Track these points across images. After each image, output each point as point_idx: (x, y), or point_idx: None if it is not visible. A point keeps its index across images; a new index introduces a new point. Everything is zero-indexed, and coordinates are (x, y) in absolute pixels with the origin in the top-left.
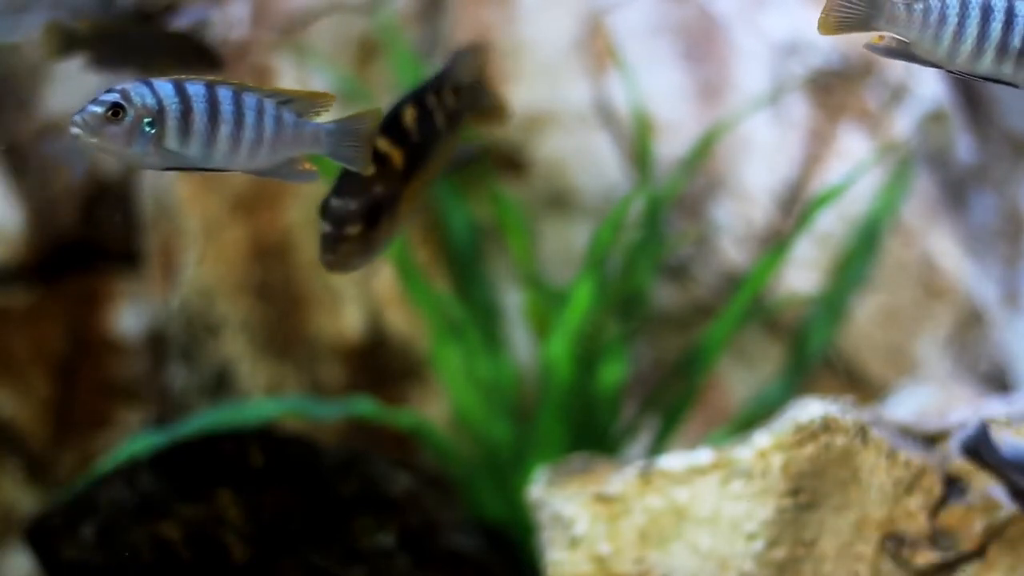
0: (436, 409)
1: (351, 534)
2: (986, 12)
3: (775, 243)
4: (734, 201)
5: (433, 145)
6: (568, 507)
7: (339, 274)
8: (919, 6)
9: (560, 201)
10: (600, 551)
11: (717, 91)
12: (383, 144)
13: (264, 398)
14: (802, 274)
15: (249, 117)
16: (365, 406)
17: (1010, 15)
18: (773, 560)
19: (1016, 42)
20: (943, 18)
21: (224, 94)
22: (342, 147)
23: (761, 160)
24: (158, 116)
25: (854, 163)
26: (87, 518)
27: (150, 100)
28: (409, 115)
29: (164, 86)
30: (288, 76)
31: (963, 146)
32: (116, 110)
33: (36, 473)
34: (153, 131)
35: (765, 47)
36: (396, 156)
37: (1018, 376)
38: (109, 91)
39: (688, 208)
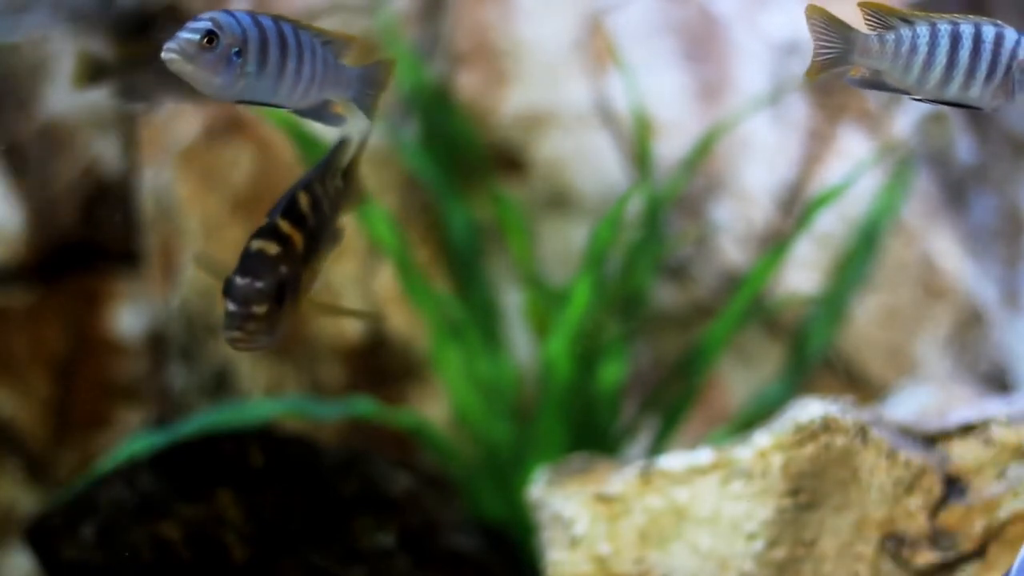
0: (436, 409)
1: (351, 534)
2: (955, 40)
3: (775, 243)
4: (734, 201)
5: (324, 229)
6: (568, 507)
7: (243, 351)
8: (891, 37)
9: (560, 201)
10: (600, 551)
11: (717, 91)
12: (285, 226)
13: (264, 398)
14: (802, 274)
15: (307, 54)
16: (365, 406)
17: (977, 42)
18: (773, 560)
19: (983, 67)
20: (914, 48)
21: (287, 29)
22: (363, 94)
23: (761, 160)
24: (243, 45)
25: (854, 163)
26: (87, 518)
27: (237, 29)
28: (304, 200)
29: (244, 17)
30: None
31: (963, 146)
32: (211, 37)
33: (36, 473)
34: (239, 60)
35: (765, 47)
36: (297, 238)
37: (1018, 376)
38: (199, 19)
39: (688, 208)
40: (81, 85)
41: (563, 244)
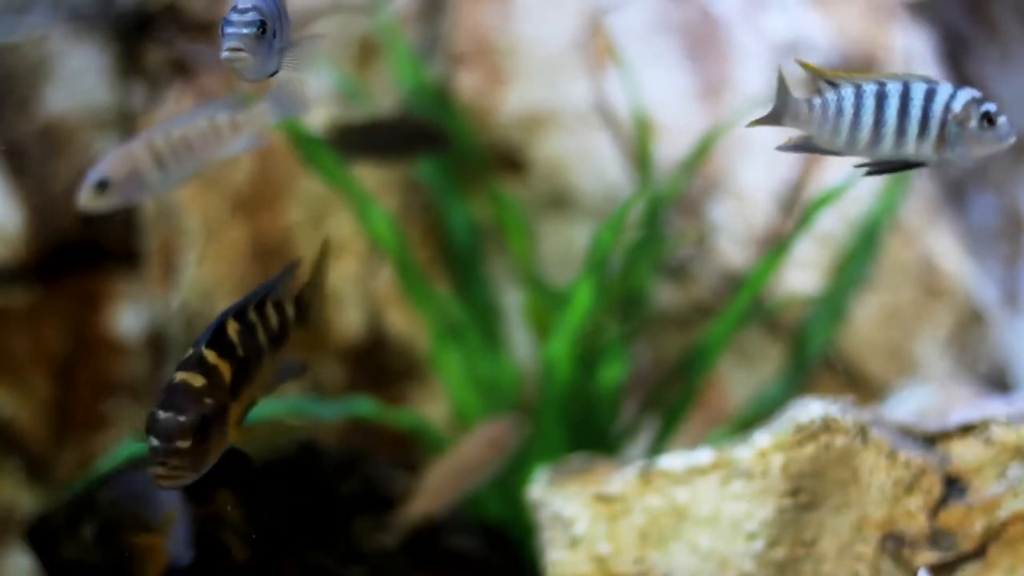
0: (436, 409)
1: (351, 534)
2: (880, 99)
3: (775, 243)
4: (734, 201)
5: (260, 359)
6: (568, 507)
7: (171, 487)
8: (817, 102)
9: (560, 201)
10: (600, 551)
11: (717, 91)
12: (211, 356)
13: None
14: (802, 274)
15: (287, 16)
16: (365, 406)
17: (905, 99)
18: (773, 560)
19: (912, 124)
20: (839, 110)
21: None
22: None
23: (761, 160)
24: (275, 24)
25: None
26: (87, 518)
27: (268, 10)
28: (233, 328)
29: None
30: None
31: None
32: (263, 27)
33: (36, 473)
34: (276, 39)
35: (765, 47)
36: (224, 368)
37: (1018, 376)
38: (243, 11)
39: (688, 208)
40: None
41: (563, 244)
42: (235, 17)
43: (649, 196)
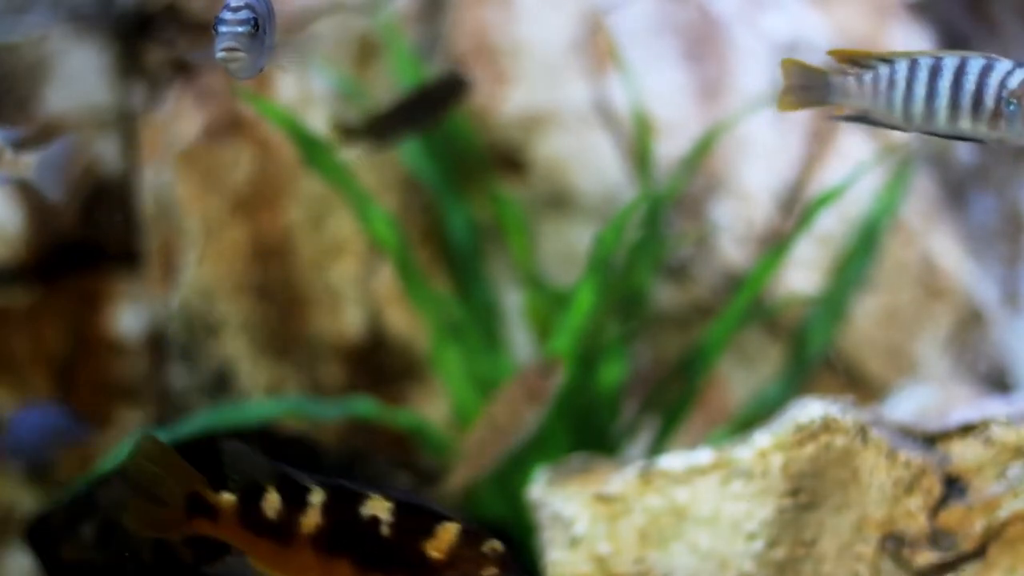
0: (436, 409)
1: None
2: (934, 73)
3: (775, 243)
4: (734, 201)
5: None
6: (568, 507)
7: None
8: (868, 77)
9: (560, 201)
10: (600, 551)
11: (717, 91)
12: None
13: (264, 398)
14: (802, 274)
15: (273, 15)
16: (365, 406)
17: (959, 73)
18: (773, 560)
19: (966, 99)
20: (892, 84)
21: None
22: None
23: (761, 160)
24: (265, 19)
25: (854, 163)
26: (87, 518)
27: (261, 9)
28: None
29: None
30: (288, 76)
31: (963, 146)
32: (256, 25)
33: (36, 473)
34: (265, 34)
35: (765, 47)
36: None
37: (1018, 376)
38: (235, 10)
39: (688, 208)
40: (341, 146)
41: (563, 244)
42: (229, 16)
43: (650, 195)
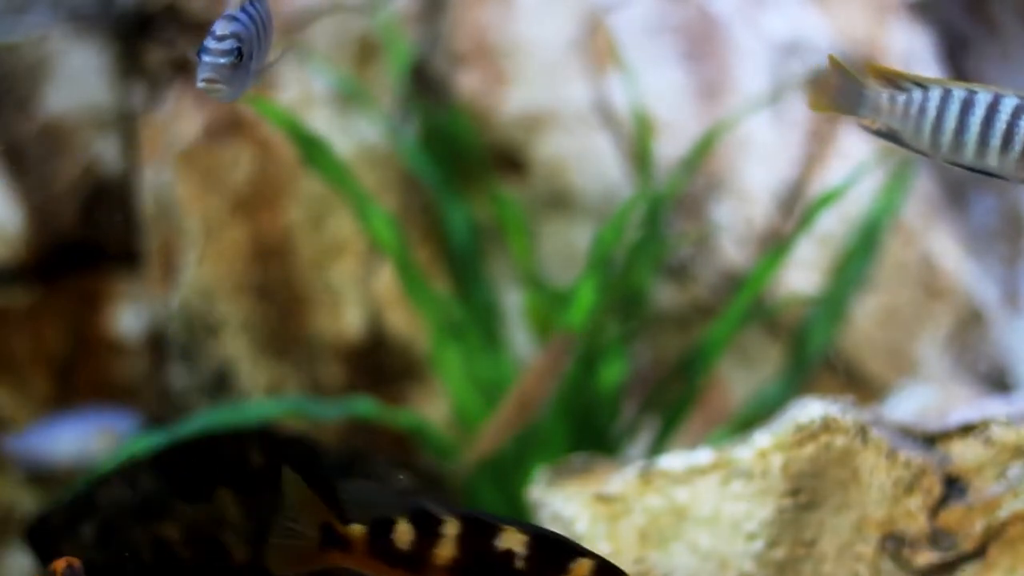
0: (436, 409)
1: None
2: (966, 106)
3: (775, 243)
4: (734, 201)
5: None
6: (568, 507)
7: None
8: (901, 98)
9: (560, 201)
10: (600, 551)
11: (717, 91)
12: None
13: (264, 398)
14: (802, 274)
15: (270, 24)
16: (365, 406)
17: (991, 110)
18: (773, 560)
19: (996, 136)
20: (923, 110)
21: (258, 6)
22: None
23: (761, 160)
24: (247, 48)
25: (854, 163)
26: (87, 518)
27: (248, 33)
28: None
29: (242, 15)
30: (288, 76)
31: None
32: (239, 55)
33: (34, 480)
34: (251, 61)
35: (765, 47)
36: None
37: (1018, 376)
38: (220, 39)
39: (688, 208)
40: None
41: (563, 244)
42: (212, 45)
43: (650, 195)
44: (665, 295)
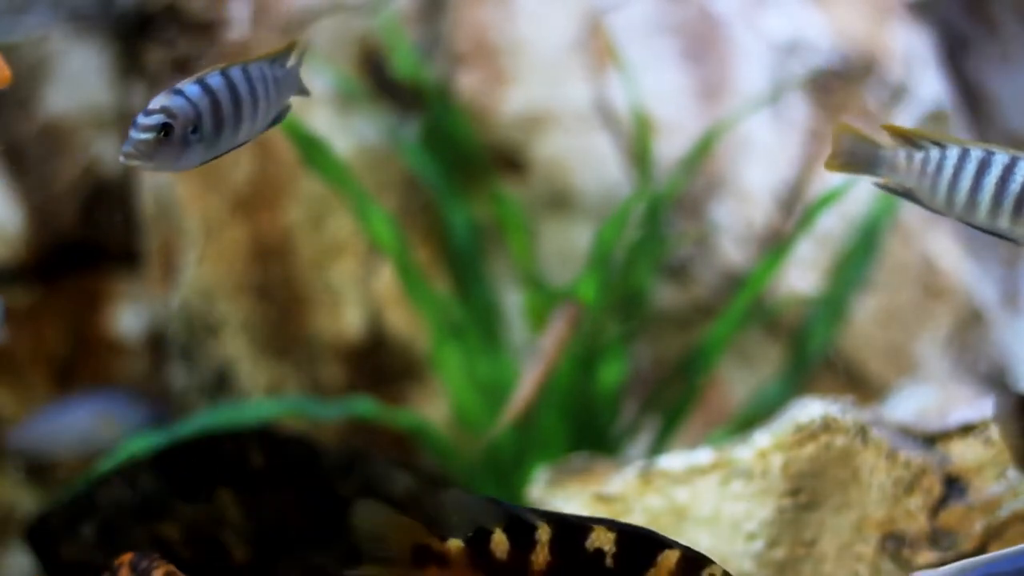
0: (436, 409)
1: (351, 534)
2: (982, 167)
3: (775, 243)
4: (734, 201)
5: None
6: (568, 507)
7: None
8: (919, 156)
9: (560, 201)
10: None
11: (717, 91)
12: None
13: (264, 398)
14: (802, 274)
15: (260, 88)
16: (365, 406)
17: (1006, 172)
18: (773, 560)
19: (1009, 199)
20: (940, 169)
21: (236, 76)
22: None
23: (761, 160)
24: (198, 121)
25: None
26: (87, 518)
27: (189, 110)
28: None
29: (192, 89)
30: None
31: None
32: (166, 130)
33: (36, 473)
34: (196, 135)
35: (765, 47)
36: None
37: (1018, 376)
38: (149, 113)
39: (688, 208)
40: None
41: (563, 244)
42: (140, 119)
43: (650, 195)
44: (665, 295)
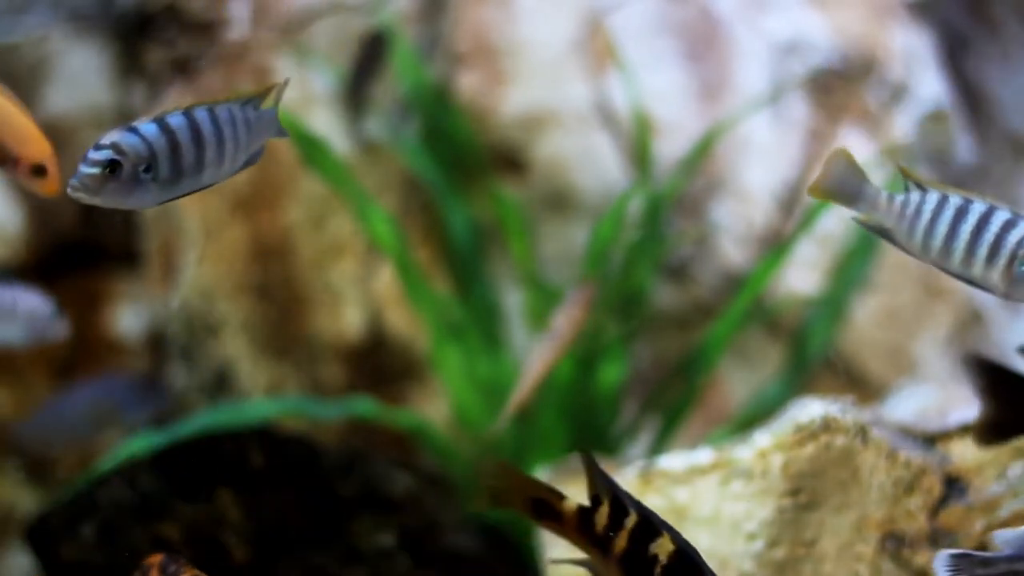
0: (436, 409)
1: (351, 534)
2: (959, 214)
3: (775, 243)
4: (734, 201)
5: None
6: None
7: None
8: (899, 198)
9: (560, 201)
10: None
11: (717, 91)
12: None
13: (264, 398)
14: (802, 274)
15: (228, 130)
16: (365, 406)
17: (982, 222)
18: (773, 560)
19: (983, 248)
20: (918, 213)
21: (202, 117)
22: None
23: (761, 160)
24: (152, 160)
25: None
26: (87, 518)
27: (142, 148)
28: None
29: (150, 128)
30: (288, 76)
31: (963, 146)
32: (112, 167)
33: (36, 473)
34: (149, 175)
35: (765, 47)
36: None
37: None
38: (99, 147)
39: (688, 208)
40: None
41: (563, 244)
42: (89, 154)
43: (649, 193)
44: (665, 295)
